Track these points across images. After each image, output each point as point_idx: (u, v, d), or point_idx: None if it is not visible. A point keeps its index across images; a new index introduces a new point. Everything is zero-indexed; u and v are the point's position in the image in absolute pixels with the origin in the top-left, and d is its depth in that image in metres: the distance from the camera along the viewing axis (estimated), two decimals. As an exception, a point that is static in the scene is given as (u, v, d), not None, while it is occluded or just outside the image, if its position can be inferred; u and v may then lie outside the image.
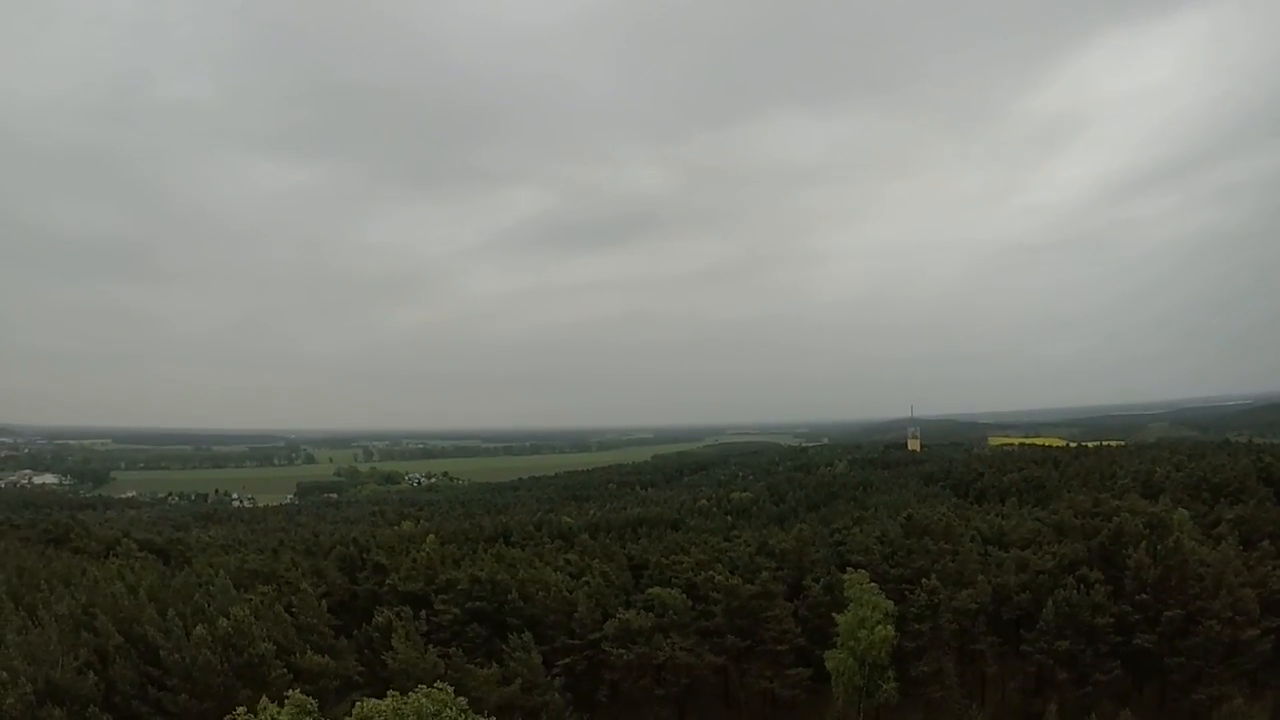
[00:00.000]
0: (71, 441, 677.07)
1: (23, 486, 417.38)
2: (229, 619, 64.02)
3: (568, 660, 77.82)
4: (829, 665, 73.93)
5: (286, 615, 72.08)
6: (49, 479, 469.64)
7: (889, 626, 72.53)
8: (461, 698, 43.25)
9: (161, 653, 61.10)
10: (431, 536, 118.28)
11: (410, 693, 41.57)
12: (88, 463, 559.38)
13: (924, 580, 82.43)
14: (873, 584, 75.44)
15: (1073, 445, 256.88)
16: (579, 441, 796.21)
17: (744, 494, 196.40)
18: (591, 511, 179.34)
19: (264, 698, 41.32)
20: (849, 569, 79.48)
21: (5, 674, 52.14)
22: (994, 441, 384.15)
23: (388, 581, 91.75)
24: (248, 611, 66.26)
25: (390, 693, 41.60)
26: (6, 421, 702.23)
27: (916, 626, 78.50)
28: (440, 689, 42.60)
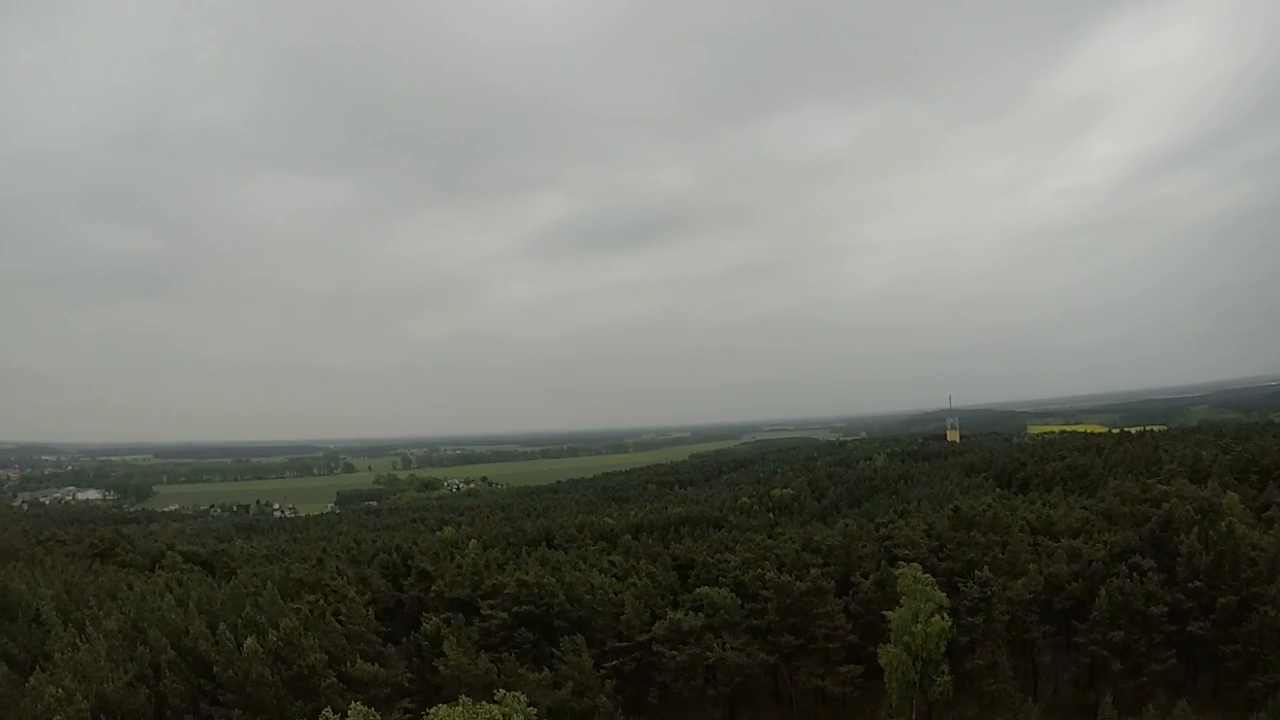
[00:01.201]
0: (114, 458, 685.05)
1: (67, 503, 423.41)
2: (279, 630, 64.10)
3: (617, 662, 77.36)
4: (882, 661, 72.80)
5: (336, 624, 72.13)
6: (92, 494, 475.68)
7: (944, 619, 71.71)
8: (532, 707, 43.40)
9: (215, 667, 61.03)
10: (474, 542, 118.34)
11: (481, 701, 41.47)
12: (130, 478, 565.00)
13: (976, 572, 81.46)
14: (926, 576, 74.24)
15: (1114, 431, 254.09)
16: (615, 443, 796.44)
17: (785, 490, 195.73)
18: (633, 512, 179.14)
19: (327, 709, 41.28)
20: (900, 563, 78.37)
21: (59, 691, 51.99)
22: (1034, 430, 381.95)
23: (434, 588, 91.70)
24: (297, 622, 66.32)
25: (463, 699, 41.53)
26: (50, 439, 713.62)
27: (969, 619, 77.37)
28: (513, 696, 42.65)
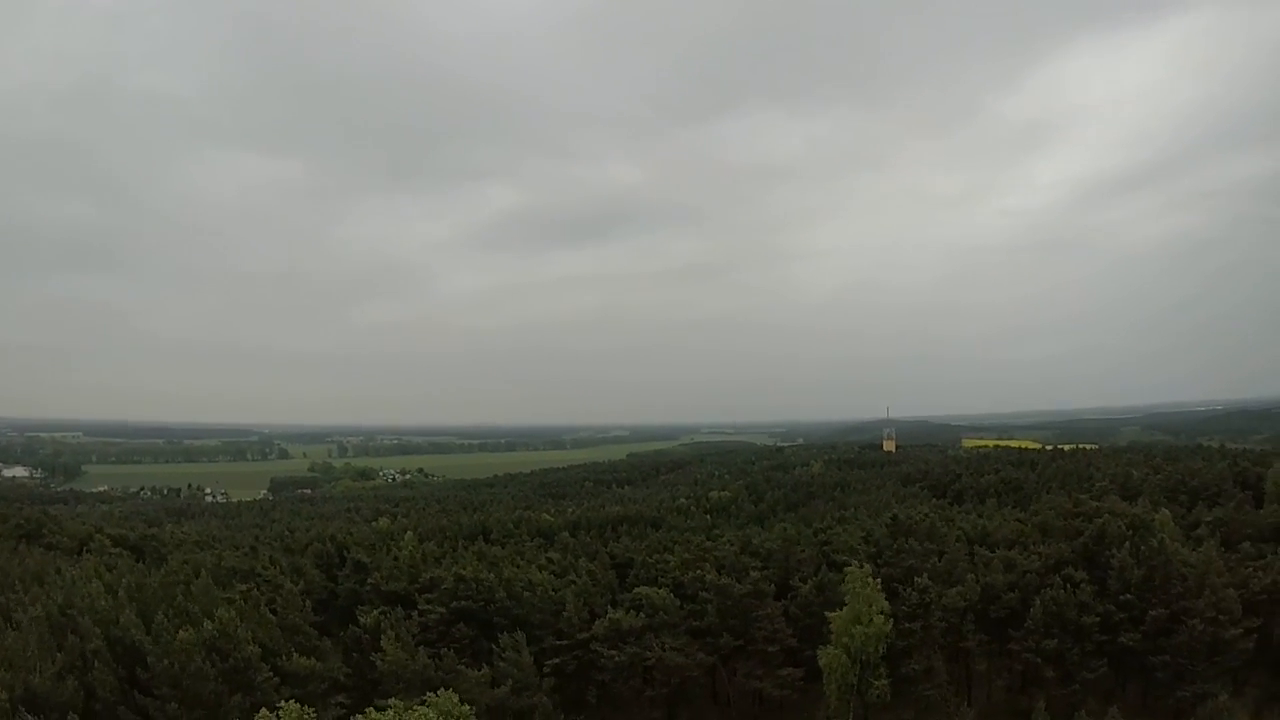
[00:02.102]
0: (42, 434, 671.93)
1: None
2: (214, 621, 63.19)
3: (556, 661, 77.04)
4: (822, 662, 73.47)
5: (270, 616, 71.27)
6: (20, 472, 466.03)
7: (885, 621, 72.54)
8: (469, 705, 42.97)
9: (149, 659, 59.76)
10: (410, 534, 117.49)
11: (414, 704, 40.93)
12: (59, 456, 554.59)
13: (915, 579, 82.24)
14: (875, 579, 75.23)
15: (1047, 448, 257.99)
16: (554, 439, 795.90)
17: (722, 493, 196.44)
18: (570, 509, 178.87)
19: (263, 710, 40.52)
20: (854, 564, 79.01)
21: None
22: (968, 443, 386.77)
23: (369, 580, 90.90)
24: (233, 613, 65.49)
25: (392, 702, 40.98)
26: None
27: (908, 625, 78.19)
28: (445, 696, 42.22)
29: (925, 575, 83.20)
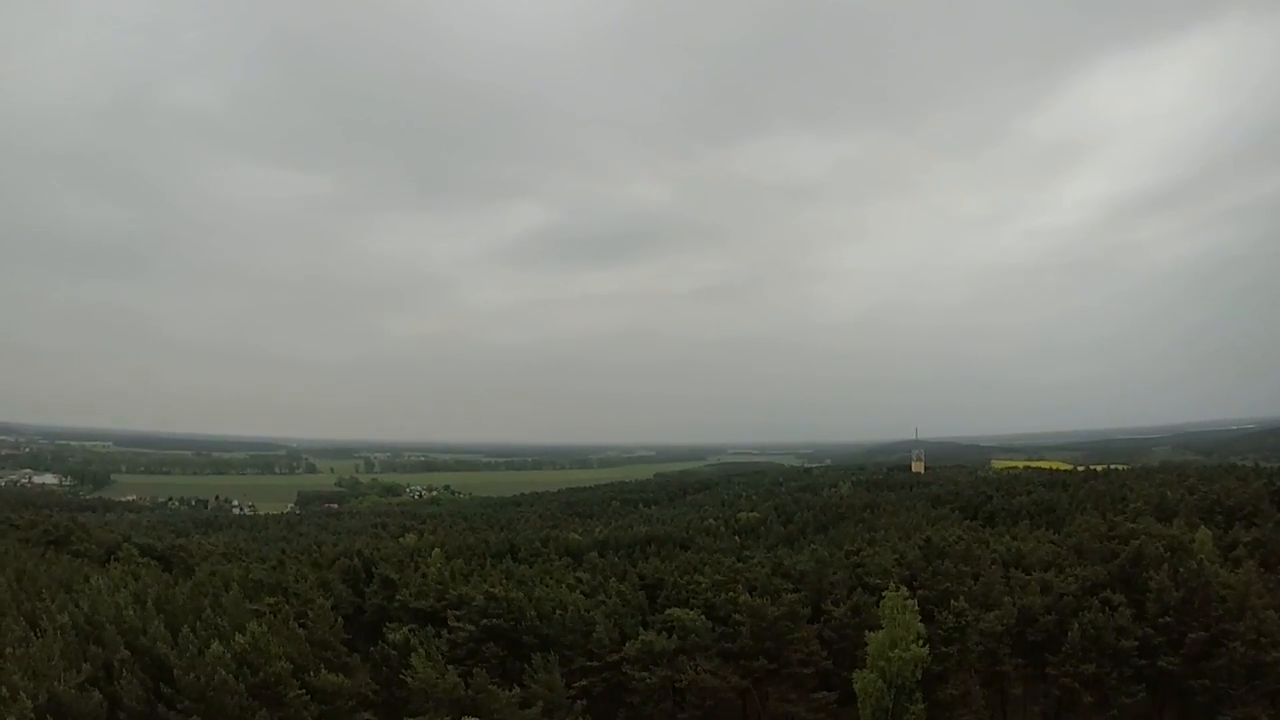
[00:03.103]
0: (72, 442, 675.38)
1: (23, 486, 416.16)
2: (244, 635, 62.69)
3: (586, 682, 76.29)
4: (857, 686, 72.26)
5: (299, 630, 70.83)
6: (49, 479, 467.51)
7: (921, 646, 71.50)
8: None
9: (176, 671, 59.24)
10: (437, 551, 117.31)
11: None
12: (88, 464, 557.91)
13: (952, 602, 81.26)
14: (911, 601, 74.11)
15: (1079, 469, 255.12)
16: (580, 458, 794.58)
17: (751, 514, 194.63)
18: (598, 529, 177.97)
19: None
20: (889, 587, 77.97)
21: (4, 689, 50.04)
22: (997, 464, 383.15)
23: (397, 597, 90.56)
24: (264, 628, 65.03)
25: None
26: (7, 420, 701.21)
27: (944, 649, 77.16)
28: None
29: (961, 598, 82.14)
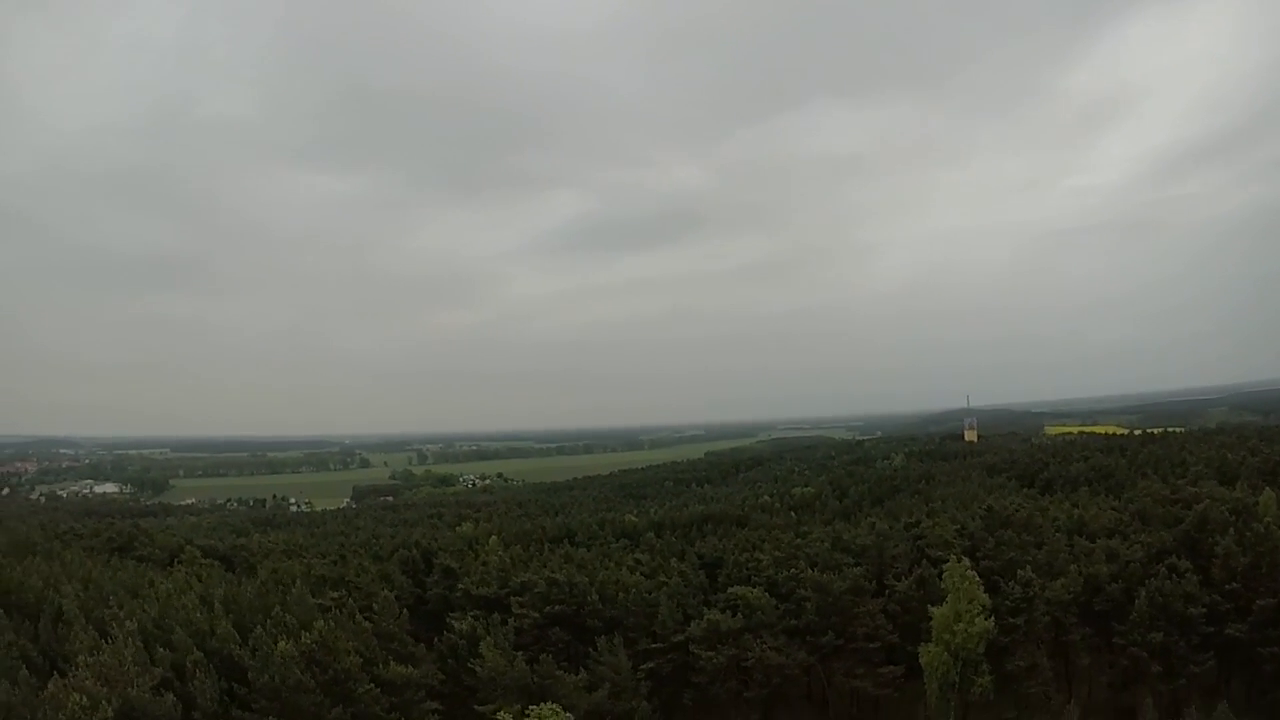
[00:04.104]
0: (131, 451, 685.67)
1: (85, 496, 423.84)
2: (312, 632, 63.17)
3: (652, 664, 76.48)
4: (923, 660, 71.99)
5: (366, 624, 71.33)
6: (110, 488, 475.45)
7: (987, 619, 71.00)
8: (569, 712, 42.52)
9: (250, 673, 59.90)
10: (494, 538, 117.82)
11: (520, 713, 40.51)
12: (147, 471, 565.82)
13: (1019, 572, 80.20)
14: (973, 574, 73.46)
15: (1135, 433, 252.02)
16: (631, 440, 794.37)
17: (806, 489, 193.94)
18: (653, 510, 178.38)
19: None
20: (955, 558, 77.37)
21: (82, 699, 50.58)
22: (1051, 430, 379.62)
23: (459, 586, 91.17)
24: (332, 624, 65.59)
25: (499, 715, 40.61)
26: (67, 433, 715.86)
27: (1010, 620, 76.22)
28: (545, 708, 41.66)
29: (1028, 568, 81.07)
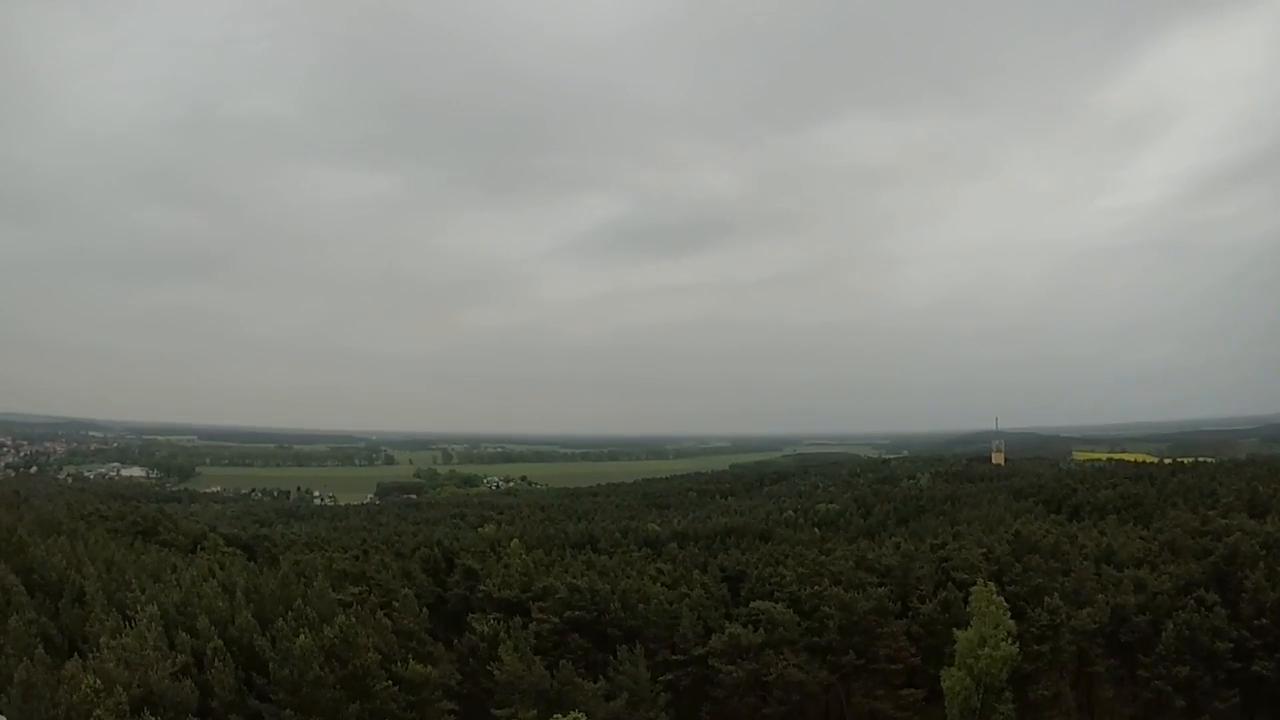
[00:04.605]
0: (159, 437, 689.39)
1: (111, 478, 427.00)
2: (333, 626, 63.20)
3: (670, 675, 76.05)
4: (945, 684, 70.97)
5: (386, 621, 71.39)
6: (136, 472, 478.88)
7: (1011, 644, 70.22)
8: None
9: (270, 665, 60.05)
10: (516, 541, 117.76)
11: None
12: (174, 458, 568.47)
13: (1045, 599, 79.17)
14: (1000, 599, 72.59)
15: (1165, 462, 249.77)
16: (655, 449, 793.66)
17: (830, 506, 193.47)
18: (676, 520, 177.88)
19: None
20: (982, 582, 76.59)
21: (96, 682, 50.77)
22: (1079, 456, 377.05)
23: (480, 587, 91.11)
24: (352, 619, 65.60)
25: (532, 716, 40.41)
26: (97, 416, 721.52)
27: (1035, 647, 75.20)
28: (572, 717, 41.41)
29: (1055, 595, 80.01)
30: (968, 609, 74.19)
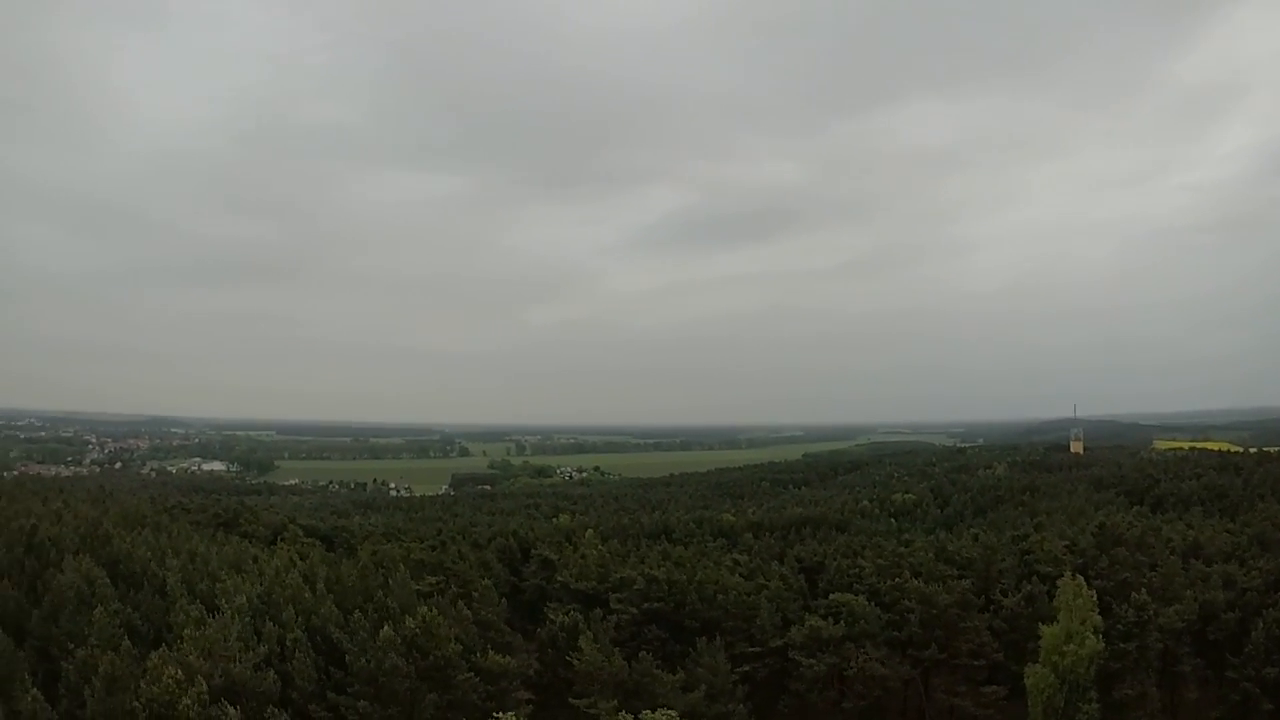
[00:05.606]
0: (238, 433, 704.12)
1: (193, 473, 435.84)
2: (415, 618, 63.56)
3: (749, 668, 75.48)
4: (1028, 682, 69.18)
5: (466, 612, 71.70)
6: (217, 466, 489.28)
7: (1098, 640, 68.55)
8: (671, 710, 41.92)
9: (347, 657, 60.64)
10: (590, 531, 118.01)
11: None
12: (253, 452, 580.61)
13: (1133, 595, 76.85)
14: (1090, 592, 70.64)
15: (1251, 451, 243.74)
16: (728, 438, 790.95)
17: (906, 496, 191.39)
18: (750, 510, 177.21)
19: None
20: (1069, 575, 74.65)
21: (178, 673, 51.18)
22: (1160, 444, 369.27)
23: (557, 578, 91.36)
24: (434, 610, 65.91)
25: (623, 715, 40.23)
26: (179, 414, 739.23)
27: (1122, 645, 72.88)
28: (660, 714, 41.05)
29: (1143, 590, 77.69)
30: (1053, 603, 72.56)
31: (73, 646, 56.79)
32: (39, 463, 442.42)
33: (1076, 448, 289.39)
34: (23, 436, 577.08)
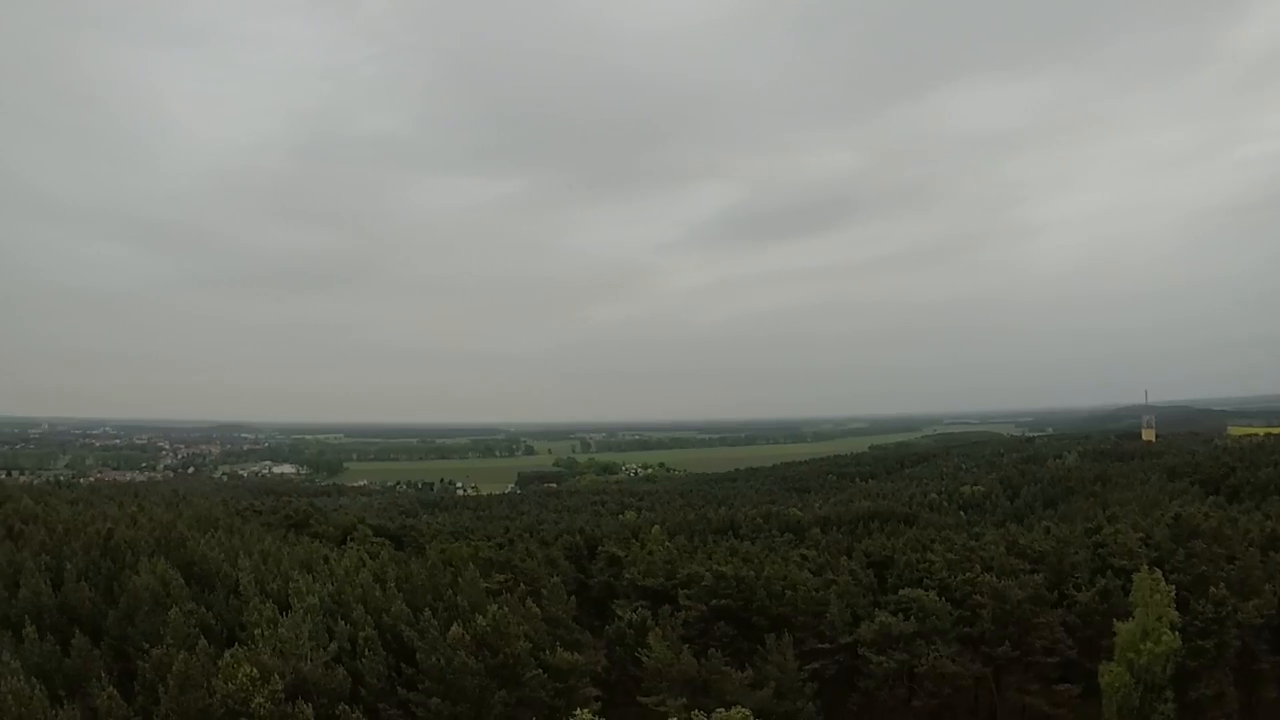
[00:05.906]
0: (307, 436, 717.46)
1: (263, 476, 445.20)
2: (485, 616, 63.87)
3: (817, 664, 74.65)
4: (1102, 680, 67.58)
5: (535, 609, 71.92)
6: (287, 469, 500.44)
7: (1175, 638, 66.68)
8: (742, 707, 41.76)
9: (418, 654, 61.06)
10: (656, 528, 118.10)
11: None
12: (322, 455, 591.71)
13: (1211, 589, 74.53)
14: (1168, 587, 68.48)
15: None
16: (793, 432, 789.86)
17: (975, 488, 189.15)
18: (817, 504, 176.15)
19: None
20: (1145, 568, 72.25)
21: (252, 671, 52.40)
22: (1235, 431, 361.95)
23: (625, 575, 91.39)
24: (503, 608, 66.20)
25: (696, 714, 40.11)
26: (249, 419, 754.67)
27: (1199, 642, 70.79)
28: (735, 712, 40.85)
29: (1221, 585, 75.32)
30: (1129, 598, 70.84)
31: (148, 646, 57.96)
32: (114, 469, 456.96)
33: (1148, 435, 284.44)
34: (99, 445, 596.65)
